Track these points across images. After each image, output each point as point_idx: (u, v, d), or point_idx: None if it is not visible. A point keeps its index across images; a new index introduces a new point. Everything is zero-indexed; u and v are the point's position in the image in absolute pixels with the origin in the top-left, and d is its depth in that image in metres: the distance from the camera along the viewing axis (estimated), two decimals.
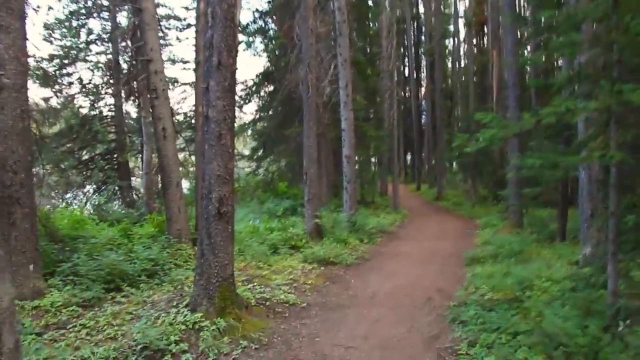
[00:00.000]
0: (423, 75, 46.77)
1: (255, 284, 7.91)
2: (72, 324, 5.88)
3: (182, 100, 28.32)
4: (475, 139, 5.77)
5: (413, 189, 34.66)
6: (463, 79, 34.01)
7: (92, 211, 15.17)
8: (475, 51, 34.13)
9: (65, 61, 19.71)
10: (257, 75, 21.19)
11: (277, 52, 20.93)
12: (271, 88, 21.59)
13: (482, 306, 6.58)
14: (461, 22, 38.82)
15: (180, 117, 27.12)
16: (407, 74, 46.34)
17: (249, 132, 25.07)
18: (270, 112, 22.69)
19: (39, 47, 43.39)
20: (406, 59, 44.92)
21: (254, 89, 21.14)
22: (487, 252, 10.83)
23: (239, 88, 23.95)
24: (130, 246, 9.10)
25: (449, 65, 44.54)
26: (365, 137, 19.58)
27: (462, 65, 39.91)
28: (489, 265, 9.74)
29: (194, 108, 20.59)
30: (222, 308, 6.08)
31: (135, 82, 17.68)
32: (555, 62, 19.21)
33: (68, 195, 19.48)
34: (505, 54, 19.37)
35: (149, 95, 11.16)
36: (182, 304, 6.31)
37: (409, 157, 50.04)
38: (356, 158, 25.04)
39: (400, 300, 7.61)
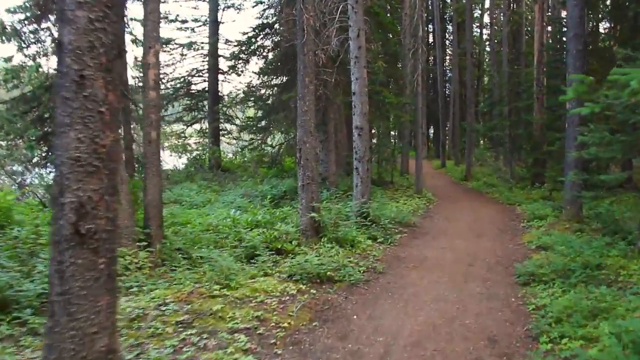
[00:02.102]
0: (448, 43, 43.02)
1: (191, 334, 4.87)
2: None
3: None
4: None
5: (437, 165, 31.26)
6: (495, 41, 30.15)
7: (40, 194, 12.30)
8: (508, 9, 30.24)
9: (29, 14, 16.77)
10: (253, 28, 17.86)
11: None
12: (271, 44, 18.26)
13: None
14: None
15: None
16: (431, 40, 42.56)
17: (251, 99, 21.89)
18: (271, 75, 19.45)
19: None
20: (430, 26, 41.07)
21: (250, 46, 17.80)
22: (549, 262, 7.64)
23: (234, 47, 20.82)
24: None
25: (476, 33, 40.51)
26: (383, 105, 16.34)
27: (490, 32, 36.02)
28: (558, 287, 6.60)
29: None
30: None
31: None
32: None
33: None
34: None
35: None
36: None
37: (431, 130, 46.53)
38: (373, 130, 21.82)
39: None
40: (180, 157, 26.52)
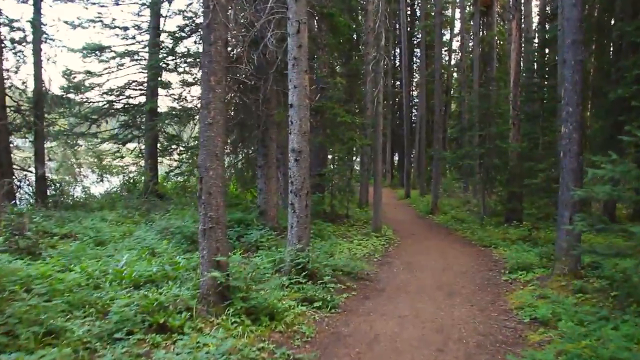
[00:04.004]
0: (415, 67, 41.20)
1: None
2: None
3: None
4: None
5: (401, 195, 28.84)
6: (466, 64, 28.15)
7: None
8: (480, 30, 28.43)
9: None
10: (180, 28, 15.00)
11: None
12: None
13: None
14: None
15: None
16: (397, 63, 40.67)
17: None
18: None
19: None
20: (397, 50, 39.18)
21: (174, 48, 14.97)
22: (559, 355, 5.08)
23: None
24: None
25: (445, 58, 38.73)
26: (337, 126, 13.79)
27: (459, 56, 34.19)
28: None
29: None
30: None
31: None
32: None
33: None
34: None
35: None
36: None
37: (396, 157, 44.38)
38: (330, 156, 19.20)
39: None
40: (113, 181, 23.36)
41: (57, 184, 17.66)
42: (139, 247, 10.15)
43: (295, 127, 8.33)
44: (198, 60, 16.25)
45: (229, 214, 12.66)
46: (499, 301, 8.01)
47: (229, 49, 11.13)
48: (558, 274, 8.86)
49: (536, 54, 20.66)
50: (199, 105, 16.01)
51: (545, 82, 18.13)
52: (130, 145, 23.87)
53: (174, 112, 19.22)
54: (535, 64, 20.29)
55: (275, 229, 11.47)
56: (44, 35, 16.18)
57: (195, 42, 15.38)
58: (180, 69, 18.35)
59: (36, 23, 15.98)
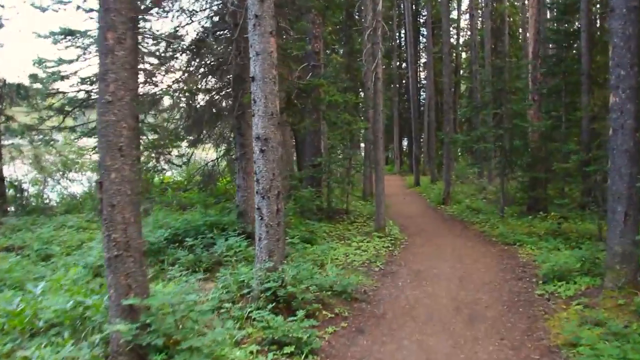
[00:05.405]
0: (422, 47, 38.80)
1: None
2: None
3: None
4: None
5: (410, 183, 26.70)
6: (476, 41, 25.79)
7: None
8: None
9: None
10: None
11: None
12: None
13: None
14: None
15: None
16: (403, 42, 38.25)
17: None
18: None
19: None
20: (402, 29, 36.70)
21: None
22: None
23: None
24: None
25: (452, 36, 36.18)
26: (333, 107, 11.73)
27: (468, 33, 31.76)
28: None
29: None
30: None
31: None
32: None
33: None
34: None
35: None
36: None
37: (405, 143, 42.13)
38: (325, 142, 17.10)
39: None
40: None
41: (17, 186, 15.76)
42: (83, 263, 8.24)
43: (259, 107, 6.29)
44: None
45: (201, 217, 10.73)
46: (538, 331, 5.95)
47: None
48: (611, 288, 6.79)
49: (555, 23, 18.37)
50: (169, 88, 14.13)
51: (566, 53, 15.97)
52: None
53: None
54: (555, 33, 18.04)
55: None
56: None
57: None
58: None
59: None
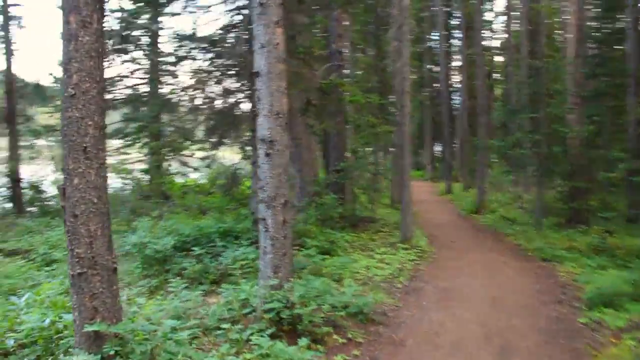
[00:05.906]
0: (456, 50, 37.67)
1: None
2: None
3: None
4: None
5: (442, 190, 25.73)
6: (512, 44, 24.65)
7: None
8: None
9: None
10: None
11: None
12: None
13: None
14: None
15: None
16: (435, 45, 37.20)
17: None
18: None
19: None
20: (434, 30, 35.61)
21: None
22: None
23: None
24: None
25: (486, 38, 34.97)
26: (358, 110, 11.00)
27: (504, 36, 30.58)
28: None
29: None
30: None
31: None
32: None
33: None
34: None
35: None
36: None
37: (438, 149, 40.95)
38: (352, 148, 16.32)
39: None
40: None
41: (37, 187, 15.49)
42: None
43: (264, 106, 5.62)
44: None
45: (215, 224, 10.12)
46: None
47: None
48: None
49: (600, 21, 17.23)
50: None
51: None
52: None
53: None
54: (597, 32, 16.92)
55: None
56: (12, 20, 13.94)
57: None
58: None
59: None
